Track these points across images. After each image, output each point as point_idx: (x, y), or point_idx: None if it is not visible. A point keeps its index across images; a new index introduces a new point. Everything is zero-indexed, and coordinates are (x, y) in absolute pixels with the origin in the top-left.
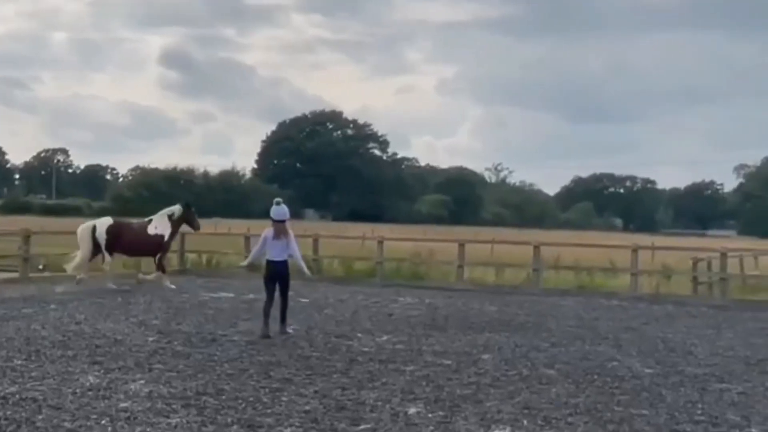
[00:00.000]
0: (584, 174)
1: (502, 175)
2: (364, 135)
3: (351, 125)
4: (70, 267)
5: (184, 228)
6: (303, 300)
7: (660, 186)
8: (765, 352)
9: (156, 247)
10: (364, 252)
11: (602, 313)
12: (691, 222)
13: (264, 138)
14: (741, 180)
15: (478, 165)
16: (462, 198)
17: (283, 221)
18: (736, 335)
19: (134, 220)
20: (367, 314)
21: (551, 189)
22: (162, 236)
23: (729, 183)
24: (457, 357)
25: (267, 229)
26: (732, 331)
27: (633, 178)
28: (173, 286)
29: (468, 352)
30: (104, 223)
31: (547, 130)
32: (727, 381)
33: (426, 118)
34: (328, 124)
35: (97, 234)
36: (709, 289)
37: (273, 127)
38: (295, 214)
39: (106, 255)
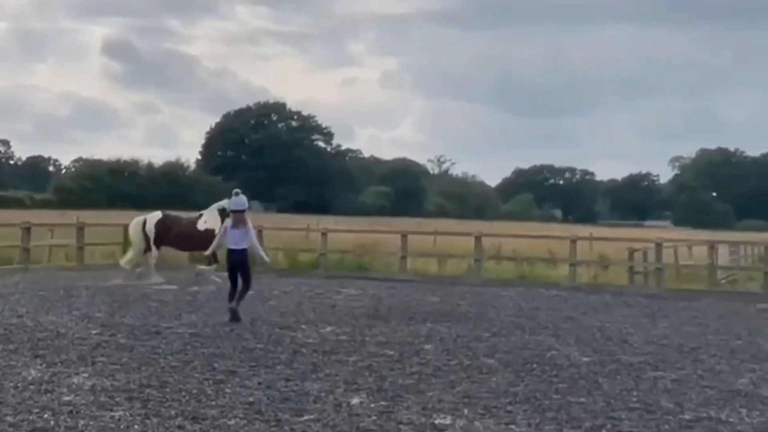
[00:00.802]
0: (525, 165)
1: (444, 166)
2: (308, 127)
3: (295, 117)
4: (123, 260)
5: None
6: (250, 292)
7: (598, 177)
8: (698, 341)
9: (207, 242)
10: (308, 244)
11: (542, 303)
12: (628, 213)
13: (208, 129)
14: (676, 171)
15: (421, 157)
16: (405, 189)
17: (241, 211)
18: (670, 324)
19: (184, 215)
20: (311, 305)
21: (493, 180)
22: (213, 230)
23: (665, 174)
24: (400, 347)
25: (227, 220)
26: (666, 320)
27: (572, 170)
28: (218, 280)
29: (410, 343)
30: (154, 217)
31: (489, 123)
32: (662, 369)
33: (370, 110)
34: (272, 115)
35: (147, 228)
36: (645, 278)
37: (217, 118)
38: None
39: (153, 249)
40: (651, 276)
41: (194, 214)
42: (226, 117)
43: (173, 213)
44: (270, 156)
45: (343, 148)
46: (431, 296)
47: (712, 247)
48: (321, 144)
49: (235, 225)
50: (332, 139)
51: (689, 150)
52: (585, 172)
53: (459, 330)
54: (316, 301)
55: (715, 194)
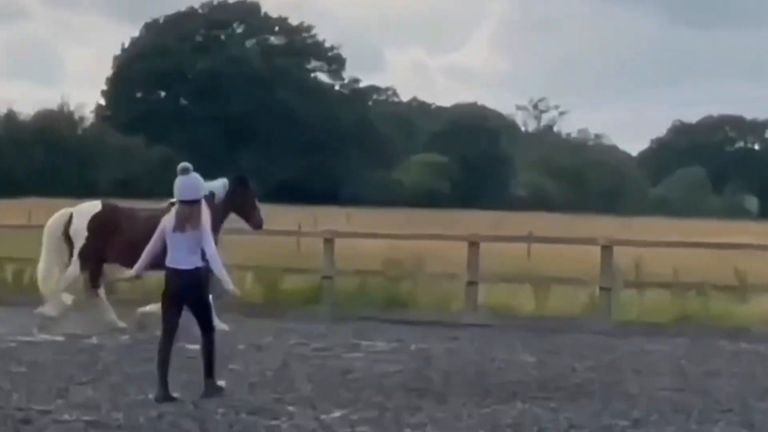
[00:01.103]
0: (691, 118)
1: (547, 118)
2: (300, 47)
3: (277, 29)
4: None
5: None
6: (191, 347)
7: None
8: None
9: None
10: (300, 259)
11: (722, 366)
12: None
13: (119, 52)
14: None
15: (504, 101)
16: (476, 159)
17: (193, 202)
18: None
19: (141, 206)
20: (305, 371)
21: (634, 144)
22: None
23: None
24: None
25: (167, 216)
26: None
27: None
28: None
29: None
30: (87, 210)
31: (627, 40)
32: None
33: (411, 17)
34: (235, 26)
35: (73, 229)
36: None
37: (135, 31)
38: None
39: (75, 265)
40: None
41: (158, 204)
42: (151, 29)
43: (121, 204)
44: (231, 100)
45: (362, 84)
46: (523, 354)
47: None
48: (323, 78)
49: (180, 226)
50: (343, 70)
51: None
52: None
53: (573, 414)
54: (314, 362)
55: None
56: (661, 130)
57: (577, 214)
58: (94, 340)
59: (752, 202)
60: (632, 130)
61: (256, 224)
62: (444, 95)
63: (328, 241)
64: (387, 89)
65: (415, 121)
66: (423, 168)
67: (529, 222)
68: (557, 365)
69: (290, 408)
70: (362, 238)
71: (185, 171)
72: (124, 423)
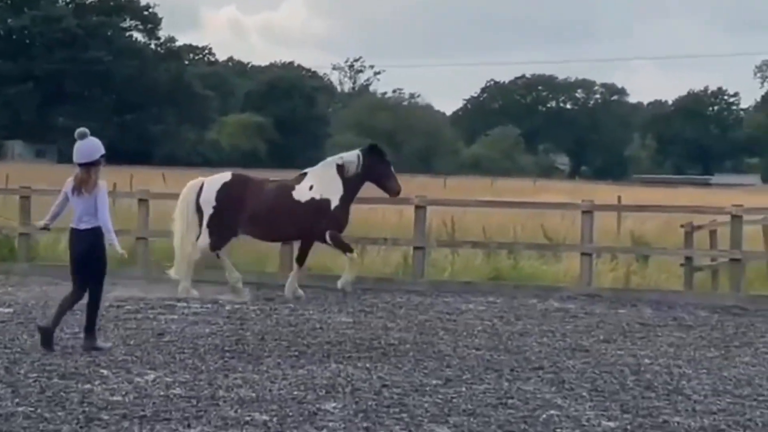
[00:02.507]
0: (504, 77)
1: (362, 78)
2: (114, 4)
3: None
4: (173, 270)
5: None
6: (2, 310)
7: (634, 99)
8: None
9: (312, 221)
10: (116, 220)
11: (533, 324)
12: (684, 161)
13: None
14: None
15: (320, 60)
16: (292, 119)
17: (89, 164)
18: (757, 358)
19: (273, 177)
20: (119, 333)
21: (448, 103)
22: (325, 202)
23: (749, 93)
24: (281, 407)
25: (70, 179)
26: (751, 352)
27: (589, 85)
28: (301, 293)
29: (299, 399)
30: (216, 180)
31: (441, 0)
32: None
33: None
34: None
35: (203, 199)
36: (713, 278)
37: None
38: None
39: (204, 235)
40: (723, 273)
41: (287, 176)
42: None
43: (251, 174)
44: (44, 59)
45: (179, 44)
46: (338, 314)
47: None
48: (138, 37)
49: (77, 189)
50: (159, 28)
51: None
52: (611, 90)
53: (386, 374)
54: (128, 324)
55: None
56: (474, 90)
57: None
58: None
59: (563, 162)
60: (446, 90)
61: (394, 192)
62: (260, 55)
63: (143, 202)
64: (203, 48)
65: (231, 81)
66: (239, 128)
67: None
68: (371, 325)
69: (104, 371)
70: (177, 198)
71: (83, 136)
72: None
